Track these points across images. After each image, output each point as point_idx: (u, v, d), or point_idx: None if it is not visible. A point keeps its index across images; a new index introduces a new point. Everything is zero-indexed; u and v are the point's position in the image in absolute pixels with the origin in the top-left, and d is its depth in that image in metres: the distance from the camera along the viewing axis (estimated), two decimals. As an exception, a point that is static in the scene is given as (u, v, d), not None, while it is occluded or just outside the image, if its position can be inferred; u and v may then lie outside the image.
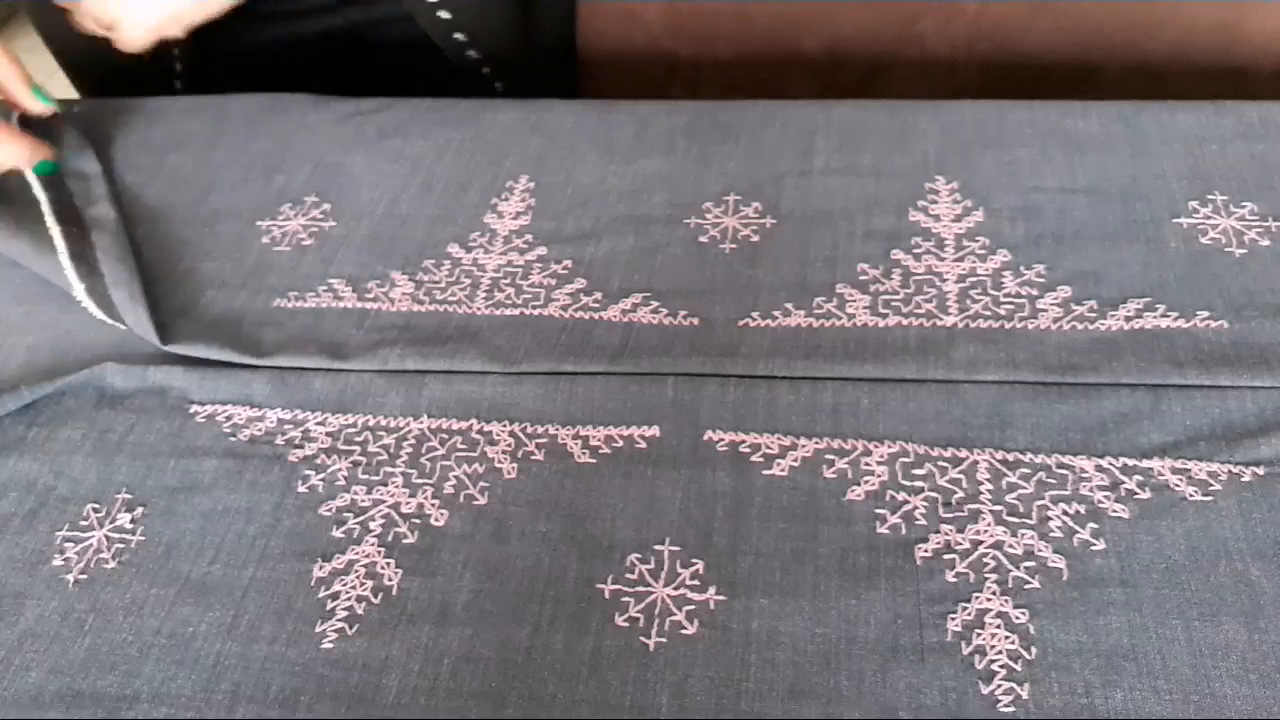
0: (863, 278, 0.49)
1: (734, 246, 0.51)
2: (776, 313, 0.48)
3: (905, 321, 0.46)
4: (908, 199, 0.52)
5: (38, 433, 0.47)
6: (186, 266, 0.54)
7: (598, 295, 0.50)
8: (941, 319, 0.46)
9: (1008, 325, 0.46)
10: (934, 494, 0.41)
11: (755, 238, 0.52)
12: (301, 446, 0.46)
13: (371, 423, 0.46)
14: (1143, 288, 0.46)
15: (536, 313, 0.49)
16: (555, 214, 0.54)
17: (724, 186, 0.54)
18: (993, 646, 0.37)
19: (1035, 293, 0.47)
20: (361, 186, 0.57)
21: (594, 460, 0.44)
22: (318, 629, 0.40)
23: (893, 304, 0.47)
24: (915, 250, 0.49)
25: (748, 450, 0.43)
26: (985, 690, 0.36)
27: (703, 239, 0.52)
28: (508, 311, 0.50)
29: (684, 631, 0.38)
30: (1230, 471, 0.40)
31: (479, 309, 0.50)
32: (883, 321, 0.46)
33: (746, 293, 0.49)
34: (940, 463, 0.42)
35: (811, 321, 0.47)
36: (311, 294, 0.52)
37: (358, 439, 0.46)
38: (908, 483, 0.41)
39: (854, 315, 0.47)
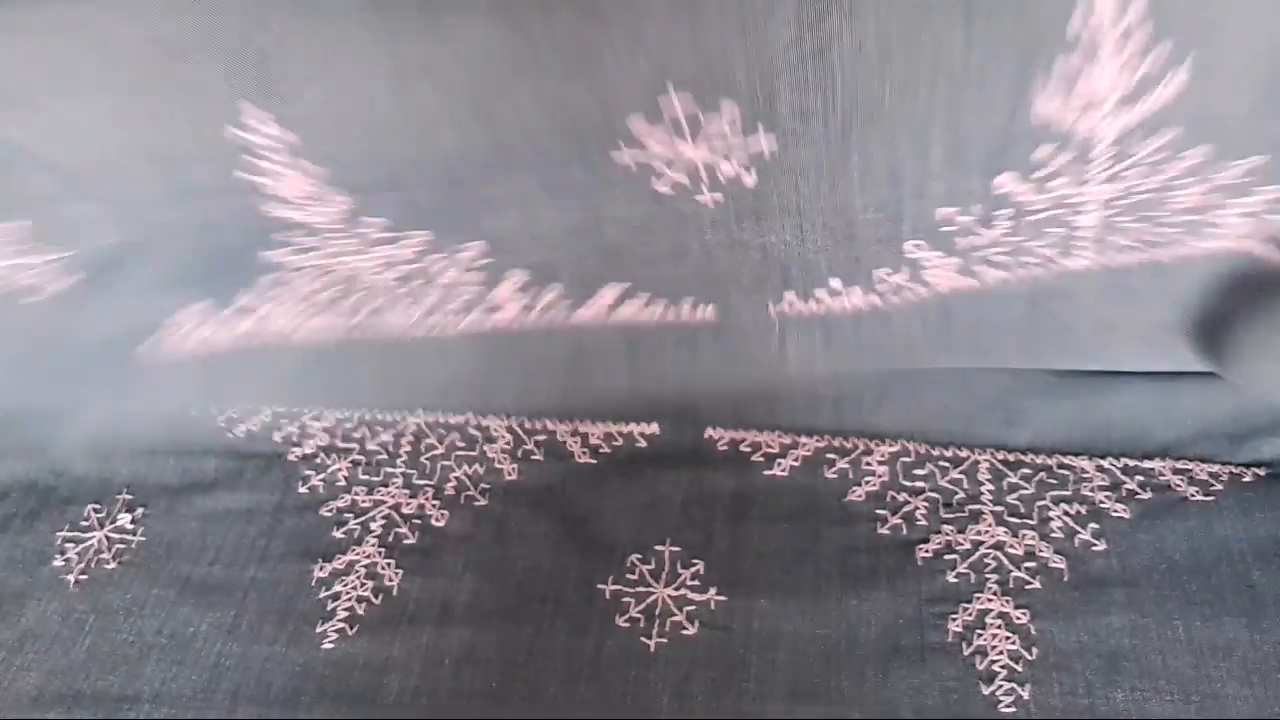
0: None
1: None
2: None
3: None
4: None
5: (38, 433, 0.47)
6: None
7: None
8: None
9: None
10: (935, 494, 0.41)
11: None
12: (300, 445, 0.45)
13: (367, 417, 0.46)
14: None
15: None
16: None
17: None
18: (994, 647, 0.37)
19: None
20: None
21: (594, 460, 0.43)
22: (318, 629, 0.40)
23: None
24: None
25: (748, 449, 0.43)
26: (986, 691, 0.36)
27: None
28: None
29: (684, 632, 0.38)
30: (1231, 472, 0.40)
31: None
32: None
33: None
34: (941, 463, 0.42)
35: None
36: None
37: (355, 435, 0.45)
38: (909, 483, 0.41)
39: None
